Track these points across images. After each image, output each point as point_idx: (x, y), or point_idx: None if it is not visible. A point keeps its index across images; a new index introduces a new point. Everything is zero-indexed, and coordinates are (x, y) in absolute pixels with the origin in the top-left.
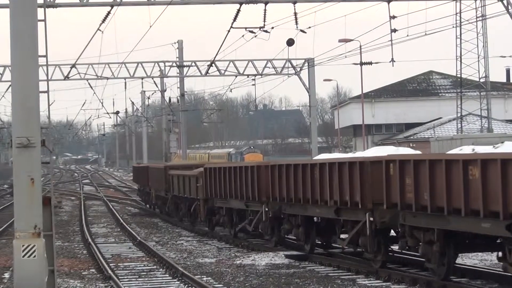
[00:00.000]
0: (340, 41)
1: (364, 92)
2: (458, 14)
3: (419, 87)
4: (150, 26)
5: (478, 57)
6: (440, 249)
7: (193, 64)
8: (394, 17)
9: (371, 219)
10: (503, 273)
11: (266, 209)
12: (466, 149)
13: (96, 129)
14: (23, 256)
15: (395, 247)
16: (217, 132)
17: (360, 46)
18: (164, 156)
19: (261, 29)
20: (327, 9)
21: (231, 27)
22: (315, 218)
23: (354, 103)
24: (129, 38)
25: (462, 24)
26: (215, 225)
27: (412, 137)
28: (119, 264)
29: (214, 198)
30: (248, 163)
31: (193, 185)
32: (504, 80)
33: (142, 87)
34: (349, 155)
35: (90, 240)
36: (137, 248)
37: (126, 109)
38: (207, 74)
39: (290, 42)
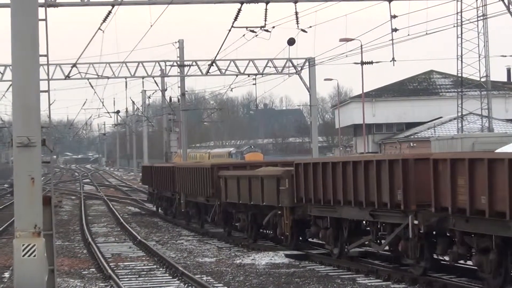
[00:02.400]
0: (341, 40)
1: (364, 91)
2: (459, 14)
3: (420, 86)
4: (151, 26)
5: (479, 57)
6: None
7: (194, 63)
8: (395, 16)
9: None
10: None
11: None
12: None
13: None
14: (23, 256)
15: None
16: (217, 131)
17: (361, 46)
18: (164, 155)
19: (262, 28)
20: (328, 9)
21: (232, 26)
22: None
23: (354, 102)
24: (130, 38)
25: (463, 23)
26: (305, 241)
27: (412, 137)
28: (119, 263)
29: (307, 205)
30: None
31: (271, 189)
32: (504, 79)
33: (143, 87)
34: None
35: (90, 239)
36: (137, 247)
37: (126, 108)
38: (208, 74)
39: (291, 42)
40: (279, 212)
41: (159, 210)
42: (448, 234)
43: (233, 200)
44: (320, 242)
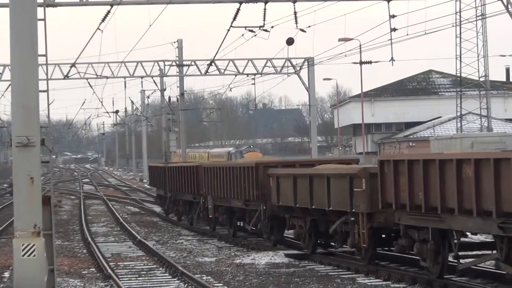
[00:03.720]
0: (339, 40)
1: (363, 91)
2: (458, 13)
3: (419, 86)
4: (150, 25)
5: (478, 56)
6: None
7: (193, 63)
8: (394, 16)
9: None
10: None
11: None
12: None
13: (96, 128)
14: (23, 255)
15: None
16: (216, 131)
17: (360, 45)
18: (163, 155)
19: (261, 28)
20: (327, 8)
21: (231, 26)
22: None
23: (353, 102)
24: (128, 37)
25: (462, 23)
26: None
27: (411, 136)
28: (119, 263)
29: (396, 212)
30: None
31: (341, 191)
32: (503, 79)
33: (142, 86)
34: None
35: (90, 239)
36: (137, 247)
37: (125, 108)
38: (207, 73)
39: (290, 41)
40: (352, 218)
41: (168, 214)
42: None
43: (287, 203)
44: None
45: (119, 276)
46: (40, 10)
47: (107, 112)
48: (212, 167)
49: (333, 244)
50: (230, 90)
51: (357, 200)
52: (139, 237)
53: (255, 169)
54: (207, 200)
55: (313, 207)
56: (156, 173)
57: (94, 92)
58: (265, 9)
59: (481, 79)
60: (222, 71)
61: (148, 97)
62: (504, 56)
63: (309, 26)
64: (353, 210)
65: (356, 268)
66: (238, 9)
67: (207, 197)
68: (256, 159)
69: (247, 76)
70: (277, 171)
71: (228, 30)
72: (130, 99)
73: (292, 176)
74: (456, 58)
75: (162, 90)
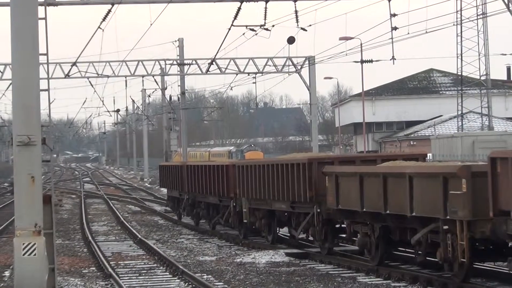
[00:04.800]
0: (340, 39)
1: (364, 90)
2: (459, 12)
3: (420, 85)
4: (151, 24)
5: (479, 55)
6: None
7: (194, 62)
8: (394, 15)
9: None
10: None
11: None
12: None
13: (97, 127)
14: (23, 254)
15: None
16: (217, 130)
17: (361, 44)
18: (164, 154)
19: (262, 27)
20: (328, 7)
21: (232, 25)
22: None
23: (354, 101)
24: (129, 36)
25: (462, 22)
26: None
27: (412, 135)
28: (119, 262)
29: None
30: None
31: (429, 194)
32: (504, 78)
33: (143, 85)
34: None
35: (90, 238)
36: (137, 246)
37: (126, 107)
38: (208, 72)
39: (291, 40)
40: (445, 227)
41: (181, 218)
42: None
43: (349, 206)
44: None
45: (120, 275)
46: (41, 9)
47: (108, 111)
48: (248, 165)
49: (413, 256)
50: (231, 89)
51: (454, 205)
52: (139, 236)
53: (307, 166)
54: (240, 202)
55: (387, 212)
56: (169, 173)
57: (95, 91)
58: (266, 8)
59: (482, 78)
60: (223, 70)
61: (149, 96)
62: (505, 54)
63: (310, 25)
64: (448, 217)
65: (356, 267)
66: (239, 8)
67: (240, 200)
68: (307, 156)
69: (248, 75)
70: (337, 168)
71: (229, 29)
72: (131, 98)
73: (358, 175)
74: (457, 57)
75: (163, 89)
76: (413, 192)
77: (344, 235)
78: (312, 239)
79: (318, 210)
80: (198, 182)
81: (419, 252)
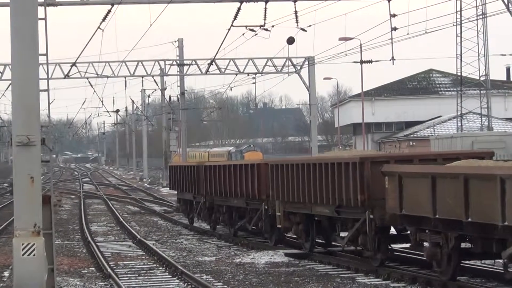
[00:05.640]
0: (340, 39)
1: (364, 90)
2: (459, 13)
3: (419, 85)
4: (151, 25)
5: (479, 55)
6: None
7: (194, 62)
8: (394, 15)
9: None
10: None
11: None
12: None
13: (96, 128)
14: (22, 255)
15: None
16: (217, 130)
17: (361, 45)
18: (164, 154)
19: (262, 27)
20: (328, 8)
21: (232, 25)
22: None
23: (354, 101)
24: (129, 37)
25: (462, 22)
26: None
27: (412, 136)
28: (118, 262)
29: None
30: None
31: None
32: (504, 78)
33: (142, 86)
34: None
35: (89, 238)
36: (136, 246)
37: (126, 107)
38: (208, 73)
39: (291, 41)
40: None
41: (193, 223)
42: None
43: (417, 212)
44: None
45: (119, 276)
46: (40, 9)
47: (108, 112)
48: (284, 165)
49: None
50: (231, 89)
51: None
52: (139, 236)
53: (358, 166)
54: (272, 205)
55: (469, 219)
56: (181, 174)
57: (94, 91)
58: (265, 8)
59: (482, 78)
60: (223, 70)
61: (149, 96)
62: (505, 55)
63: (310, 25)
64: None
65: (355, 267)
66: (239, 9)
67: (273, 202)
68: (358, 154)
69: (248, 75)
70: (401, 168)
71: (229, 29)
72: (131, 99)
73: (430, 176)
74: (457, 57)
75: (163, 89)
76: (506, 197)
77: (395, 245)
78: (361, 248)
79: (371, 216)
80: (218, 184)
81: (510, 267)
